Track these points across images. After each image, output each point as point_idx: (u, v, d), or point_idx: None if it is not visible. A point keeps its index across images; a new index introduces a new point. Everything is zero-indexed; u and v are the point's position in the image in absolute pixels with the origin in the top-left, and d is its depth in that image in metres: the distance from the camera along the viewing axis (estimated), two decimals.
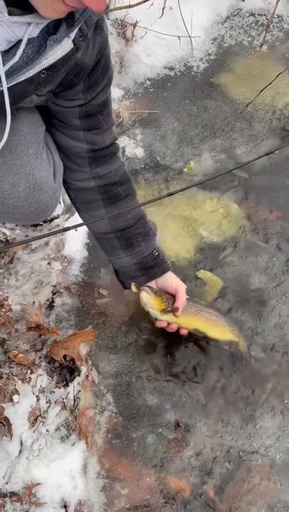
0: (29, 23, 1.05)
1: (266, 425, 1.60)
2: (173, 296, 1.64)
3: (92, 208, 1.60)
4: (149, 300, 1.62)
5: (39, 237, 1.18)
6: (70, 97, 1.37)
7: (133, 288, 1.65)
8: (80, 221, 1.69)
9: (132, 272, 1.66)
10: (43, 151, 1.43)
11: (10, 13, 1.01)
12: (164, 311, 1.63)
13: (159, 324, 1.66)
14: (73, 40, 1.15)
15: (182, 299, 1.64)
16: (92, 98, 1.38)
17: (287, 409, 1.62)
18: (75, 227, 1.17)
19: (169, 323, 1.65)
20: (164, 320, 1.65)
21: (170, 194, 1.15)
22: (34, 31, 1.07)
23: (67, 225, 1.91)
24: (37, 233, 1.90)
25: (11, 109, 1.14)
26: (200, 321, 1.68)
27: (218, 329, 1.70)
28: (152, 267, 1.65)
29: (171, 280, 1.67)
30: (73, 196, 1.62)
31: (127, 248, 1.62)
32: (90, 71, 1.31)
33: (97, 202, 1.57)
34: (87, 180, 1.54)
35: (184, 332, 1.67)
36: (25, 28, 1.05)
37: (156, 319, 1.66)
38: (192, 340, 1.73)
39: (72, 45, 1.15)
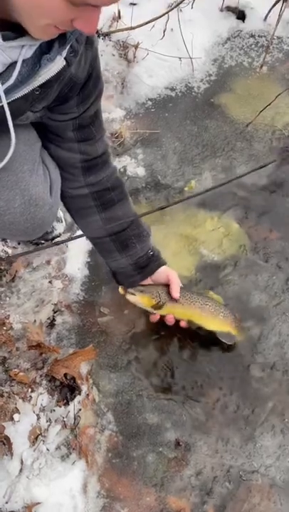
0: (22, 46, 1.08)
1: (266, 444, 1.59)
2: (168, 286, 1.68)
3: (86, 215, 1.64)
4: (136, 300, 1.68)
5: (37, 249, 1.20)
6: (64, 111, 1.40)
7: (120, 291, 1.69)
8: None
9: (129, 272, 1.71)
10: (39, 167, 1.46)
11: (3, 37, 1.04)
12: (157, 306, 1.66)
13: (152, 319, 1.71)
14: (65, 57, 1.18)
15: (175, 286, 1.68)
16: (85, 110, 1.42)
17: (287, 428, 1.62)
18: (72, 239, 1.20)
19: (163, 316, 1.69)
20: (159, 313, 1.68)
21: (161, 208, 1.18)
22: (28, 53, 1.11)
23: (68, 243, 1.93)
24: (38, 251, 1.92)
25: (8, 126, 1.17)
26: (195, 312, 1.69)
27: (214, 320, 1.71)
28: (147, 265, 1.70)
29: (163, 273, 1.71)
30: (68, 204, 1.65)
31: (122, 250, 1.67)
32: (82, 85, 1.35)
33: (91, 208, 1.61)
34: (80, 188, 1.58)
35: (183, 324, 1.69)
36: (19, 51, 1.09)
37: (150, 314, 1.71)
38: (193, 359, 1.74)
39: (64, 62, 1.19)
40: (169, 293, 1.68)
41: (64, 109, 1.39)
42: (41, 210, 1.46)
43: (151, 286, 1.70)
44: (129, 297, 1.68)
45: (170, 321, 1.69)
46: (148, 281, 1.72)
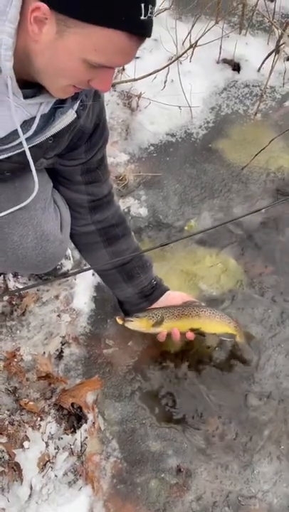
0: (41, 103, 1.22)
1: (263, 470, 1.65)
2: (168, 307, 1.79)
3: (93, 250, 1.75)
4: (136, 325, 1.77)
5: (43, 283, 1.29)
6: (73, 157, 1.52)
7: (118, 321, 1.79)
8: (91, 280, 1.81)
9: (135, 300, 1.82)
10: (50, 205, 1.56)
11: (24, 96, 1.18)
12: (156, 324, 1.75)
13: (159, 338, 1.78)
14: (76, 110, 1.31)
15: (189, 299, 1.82)
16: (92, 156, 1.55)
17: (283, 454, 1.68)
18: (78, 272, 1.31)
19: (170, 334, 1.76)
20: (161, 331, 1.76)
21: (162, 245, 1.32)
22: (45, 109, 1.25)
23: (76, 280, 2.03)
24: (47, 287, 2.02)
25: (25, 171, 1.29)
26: (193, 320, 1.78)
27: (213, 324, 1.80)
28: (152, 293, 1.81)
29: (173, 297, 1.83)
30: (76, 240, 1.77)
31: (128, 280, 1.78)
32: (90, 134, 1.48)
33: (97, 244, 1.73)
34: (87, 225, 1.69)
35: (189, 335, 1.76)
36: (38, 107, 1.23)
37: (156, 335, 1.78)
38: (193, 389, 1.81)
39: (75, 115, 1.32)
40: (165, 310, 1.77)
41: (73, 156, 1.52)
42: (52, 245, 1.56)
43: (146, 310, 1.79)
44: (128, 324, 1.77)
45: (176, 334, 1.76)
46: (154, 306, 1.82)
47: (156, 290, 1.82)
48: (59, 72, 1.12)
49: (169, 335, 1.78)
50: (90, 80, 1.14)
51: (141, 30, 1.05)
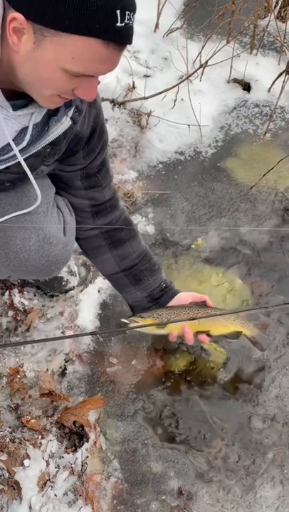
0: (32, 112, 1.23)
1: (266, 495, 1.63)
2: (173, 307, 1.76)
3: (99, 253, 1.75)
4: (145, 328, 1.74)
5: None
6: (72, 163, 1.52)
7: (124, 321, 1.75)
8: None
9: (144, 304, 1.80)
10: (53, 209, 1.56)
11: (13, 107, 1.18)
12: (160, 326, 1.73)
13: (171, 338, 1.75)
14: (71, 117, 1.32)
15: (202, 298, 1.79)
16: (91, 161, 1.54)
17: (286, 479, 1.66)
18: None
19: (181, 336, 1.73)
20: (165, 333, 1.74)
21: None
22: (37, 118, 1.25)
23: (81, 296, 2.04)
24: (52, 303, 2.03)
25: (25, 179, 1.30)
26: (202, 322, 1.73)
27: (220, 324, 1.77)
28: (161, 296, 1.79)
29: (183, 298, 1.80)
30: (82, 245, 1.77)
31: (136, 284, 1.77)
32: (87, 139, 1.47)
33: (103, 247, 1.72)
34: (91, 229, 1.69)
35: (203, 339, 1.73)
36: (30, 117, 1.23)
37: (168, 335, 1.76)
38: (196, 410, 1.79)
39: (70, 122, 1.32)
40: (170, 311, 1.74)
41: (72, 161, 1.52)
42: (55, 248, 1.55)
43: (150, 311, 1.76)
44: (133, 325, 1.73)
45: (189, 337, 1.71)
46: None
47: (166, 293, 1.80)
48: (41, 83, 1.12)
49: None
50: (74, 89, 1.14)
51: (118, 38, 1.04)
